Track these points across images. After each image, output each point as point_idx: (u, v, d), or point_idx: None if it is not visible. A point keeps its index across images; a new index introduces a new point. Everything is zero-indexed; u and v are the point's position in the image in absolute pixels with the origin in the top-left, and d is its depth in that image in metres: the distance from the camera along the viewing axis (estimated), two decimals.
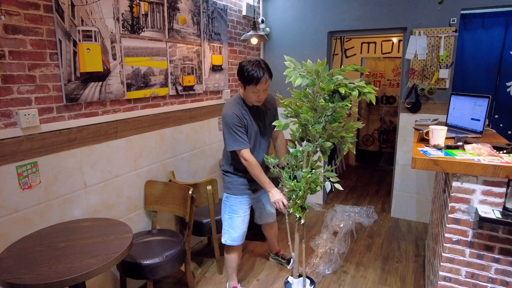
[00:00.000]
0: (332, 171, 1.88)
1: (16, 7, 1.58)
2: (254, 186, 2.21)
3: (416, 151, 1.76)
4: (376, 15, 3.36)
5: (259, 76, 1.88)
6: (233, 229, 2.20)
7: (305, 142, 1.83)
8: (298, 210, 1.88)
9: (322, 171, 1.90)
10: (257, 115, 2.09)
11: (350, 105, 1.70)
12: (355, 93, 1.65)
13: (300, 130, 1.84)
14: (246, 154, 1.98)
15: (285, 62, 1.76)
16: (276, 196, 1.99)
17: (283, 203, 1.97)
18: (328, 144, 1.78)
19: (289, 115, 1.81)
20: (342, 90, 1.63)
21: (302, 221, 1.93)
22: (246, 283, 2.53)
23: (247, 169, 2.03)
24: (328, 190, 1.89)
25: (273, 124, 1.90)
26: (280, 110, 1.93)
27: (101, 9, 1.95)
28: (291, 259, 2.09)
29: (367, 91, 1.66)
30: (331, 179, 1.85)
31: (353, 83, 1.68)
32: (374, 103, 1.77)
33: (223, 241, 2.25)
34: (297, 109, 1.73)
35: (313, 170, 1.87)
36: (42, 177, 1.75)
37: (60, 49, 1.76)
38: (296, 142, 1.94)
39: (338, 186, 1.81)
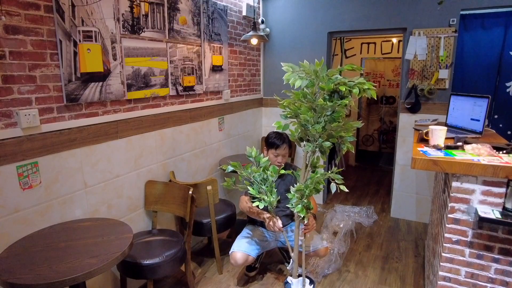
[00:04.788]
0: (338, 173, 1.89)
1: (17, 8, 1.58)
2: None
3: (416, 151, 1.77)
4: (376, 15, 3.36)
5: (279, 143, 2.31)
6: (237, 239, 2.39)
7: (304, 142, 1.84)
8: (303, 211, 1.88)
9: (328, 172, 1.91)
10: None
11: (348, 102, 1.71)
12: (356, 90, 1.65)
13: (299, 130, 1.84)
14: (241, 198, 2.40)
15: (282, 68, 1.76)
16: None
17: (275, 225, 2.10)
18: (328, 144, 1.79)
19: (288, 115, 1.82)
20: (343, 89, 1.64)
21: (306, 221, 1.94)
22: (246, 283, 2.53)
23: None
24: (333, 192, 1.90)
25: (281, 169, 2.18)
26: (279, 111, 1.95)
27: (101, 10, 1.95)
28: (291, 260, 2.10)
29: (366, 87, 1.66)
30: (336, 180, 1.86)
31: (353, 81, 1.68)
32: (375, 99, 1.78)
33: None
34: (296, 110, 1.74)
35: (317, 170, 1.89)
36: (42, 177, 1.75)
37: (61, 49, 1.76)
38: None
39: (343, 187, 1.82)
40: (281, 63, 1.82)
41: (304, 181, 1.90)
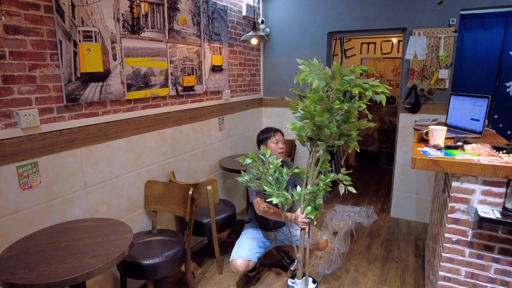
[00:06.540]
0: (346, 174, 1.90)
1: (17, 8, 1.58)
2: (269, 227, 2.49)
3: (416, 151, 1.77)
4: (375, 15, 3.36)
5: (274, 131, 2.41)
6: (236, 245, 2.36)
7: (309, 143, 1.85)
8: (313, 212, 1.89)
9: (337, 174, 1.91)
10: None
11: (365, 106, 1.70)
12: (369, 93, 1.64)
13: (308, 130, 1.84)
14: (254, 202, 2.36)
15: (299, 66, 1.75)
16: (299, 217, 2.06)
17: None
18: (340, 142, 1.79)
19: (303, 118, 1.82)
20: (356, 91, 1.63)
21: (315, 223, 1.94)
22: (246, 283, 2.53)
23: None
24: (341, 193, 1.90)
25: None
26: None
27: (101, 10, 1.95)
28: (295, 260, 2.09)
29: (380, 90, 1.65)
30: (344, 182, 1.86)
31: (367, 83, 1.66)
32: (384, 104, 1.75)
33: None
34: (311, 111, 1.73)
35: (328, 174, 1.91)
36: (42, 177, 1.75)
37: (61, 49, 1.76)
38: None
39: (351, 189, 1.82)
40: (297, 59, 1.79)
41: (312, 181, 1.90)
